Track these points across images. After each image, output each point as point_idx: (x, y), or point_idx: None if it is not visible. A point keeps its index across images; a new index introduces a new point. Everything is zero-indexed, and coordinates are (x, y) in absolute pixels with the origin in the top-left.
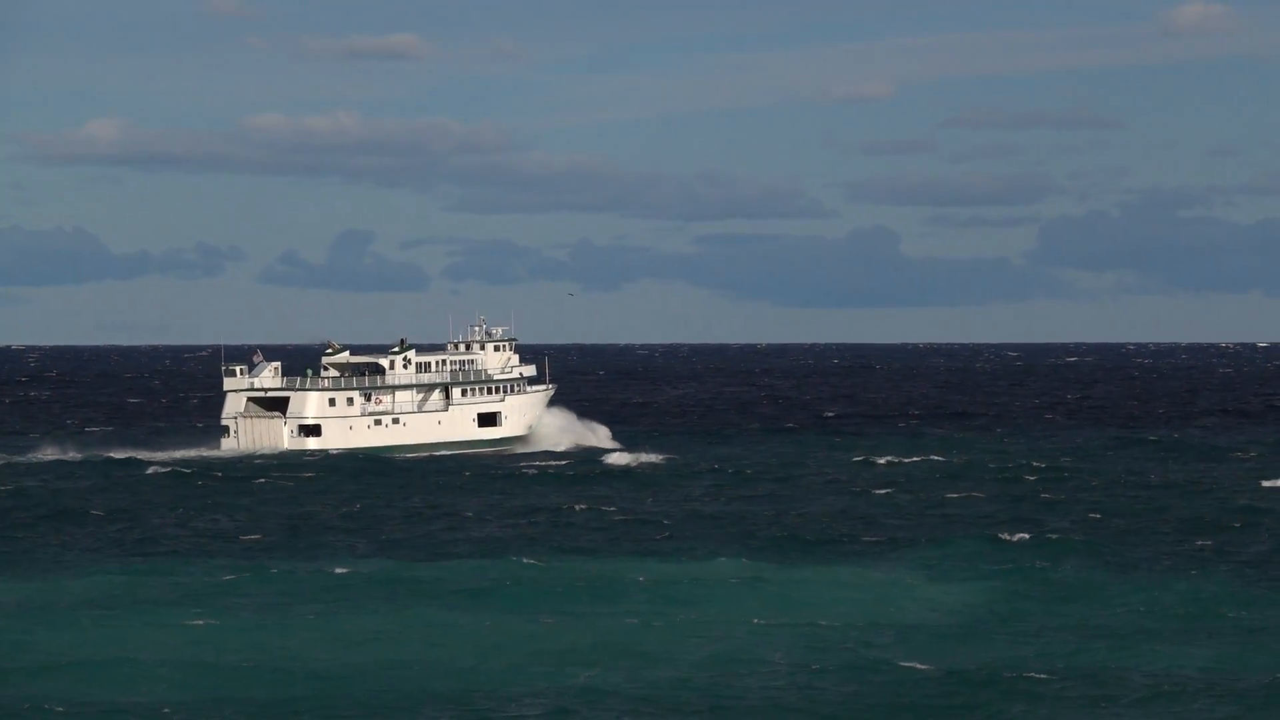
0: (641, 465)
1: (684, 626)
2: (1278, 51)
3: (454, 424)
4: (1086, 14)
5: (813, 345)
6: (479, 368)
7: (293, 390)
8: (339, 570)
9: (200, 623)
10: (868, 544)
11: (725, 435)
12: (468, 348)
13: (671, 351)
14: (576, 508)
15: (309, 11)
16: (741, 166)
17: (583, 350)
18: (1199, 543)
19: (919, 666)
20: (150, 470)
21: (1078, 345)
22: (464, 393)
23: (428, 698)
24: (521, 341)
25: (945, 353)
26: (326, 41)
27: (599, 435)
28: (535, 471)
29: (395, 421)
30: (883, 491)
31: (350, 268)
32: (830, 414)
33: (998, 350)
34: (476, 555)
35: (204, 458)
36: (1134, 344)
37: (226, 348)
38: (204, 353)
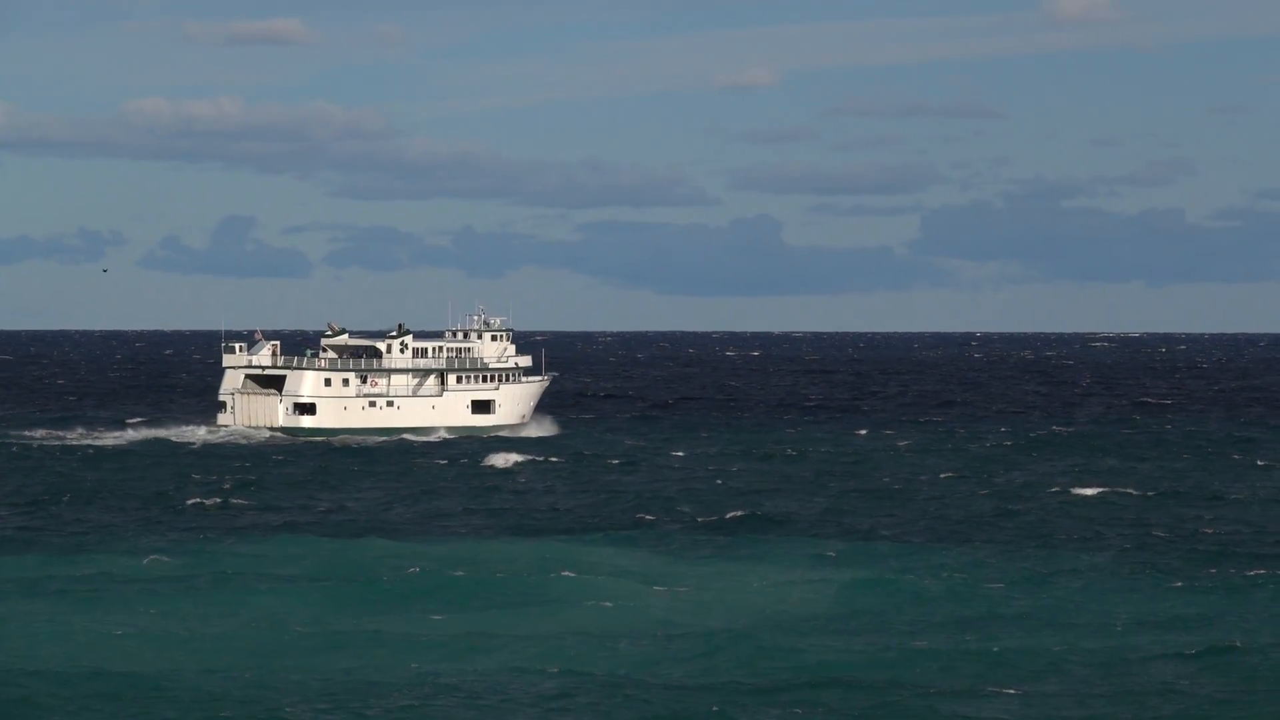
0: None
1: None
2: (1160, 42)
3: (448, 409)
4: (971, 4)
5: (705, 334)
6: (475, 356)
7: (289, 369)
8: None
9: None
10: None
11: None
12: (465, 336)
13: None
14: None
15: None
16: (624, 154)
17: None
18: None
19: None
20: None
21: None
22: (459, 379)
23: (287, 689)
24: (413, 327)
25: (830, 343)
26: (208, 26)
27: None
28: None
29: (389, 404)
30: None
31: (232, 254)
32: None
33: (886, 340)
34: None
35: (198, 433)
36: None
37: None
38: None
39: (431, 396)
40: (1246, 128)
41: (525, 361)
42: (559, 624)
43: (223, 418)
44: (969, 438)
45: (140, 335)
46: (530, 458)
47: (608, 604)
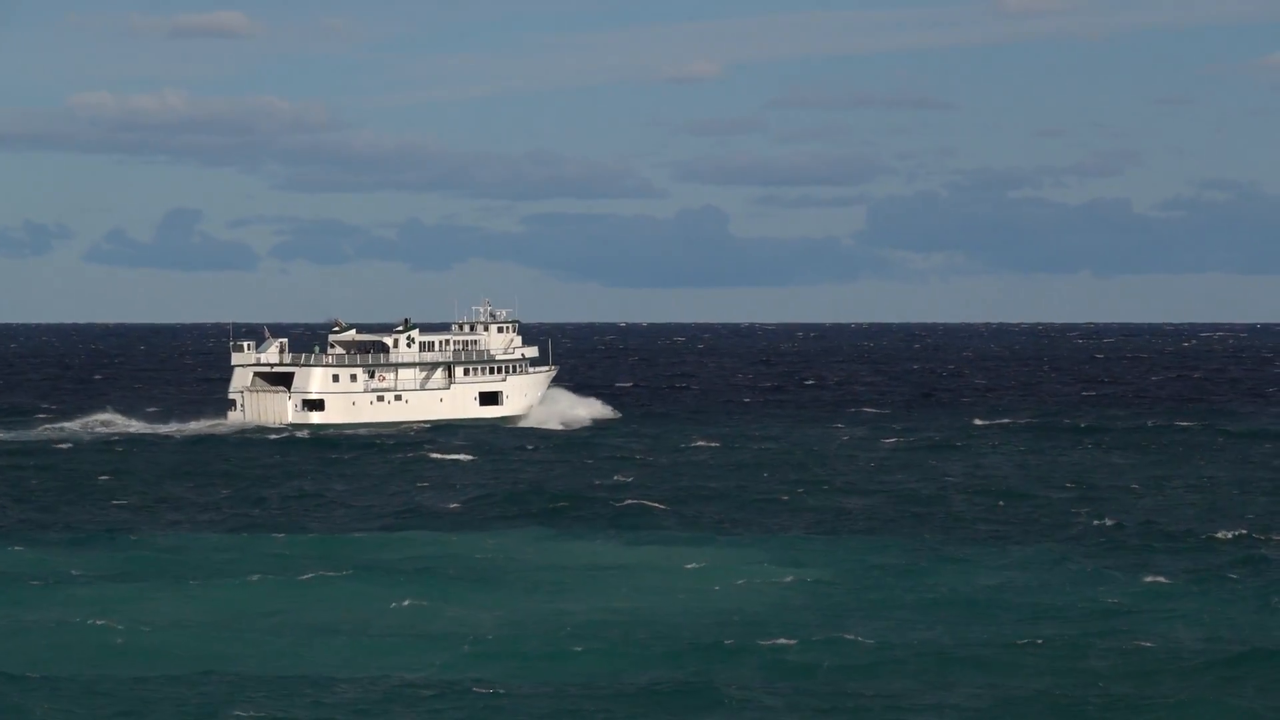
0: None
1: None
2: (1106, 33)
3: (456, 402)
4: None
5: (653, 325)
6: (482, 348)
7: (297, 366)
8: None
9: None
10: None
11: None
12: (471, 328)
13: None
14: (419, 485)
15: None
16: (570, 146)
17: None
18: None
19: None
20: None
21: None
22: (466, 372)
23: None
24: (359, 320)
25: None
26: (153, 19)
27: (591, 410)
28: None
29: (398, 398)
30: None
31: (178, 247)
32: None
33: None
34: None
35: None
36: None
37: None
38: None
39: (439, 390)
40: (1193, 118)
41: (531, 352)
42: (499, 617)
43: (233, 415)
44: (910, 429)
45: (77, 329)
46: (476, 449)
47: (531, 596)
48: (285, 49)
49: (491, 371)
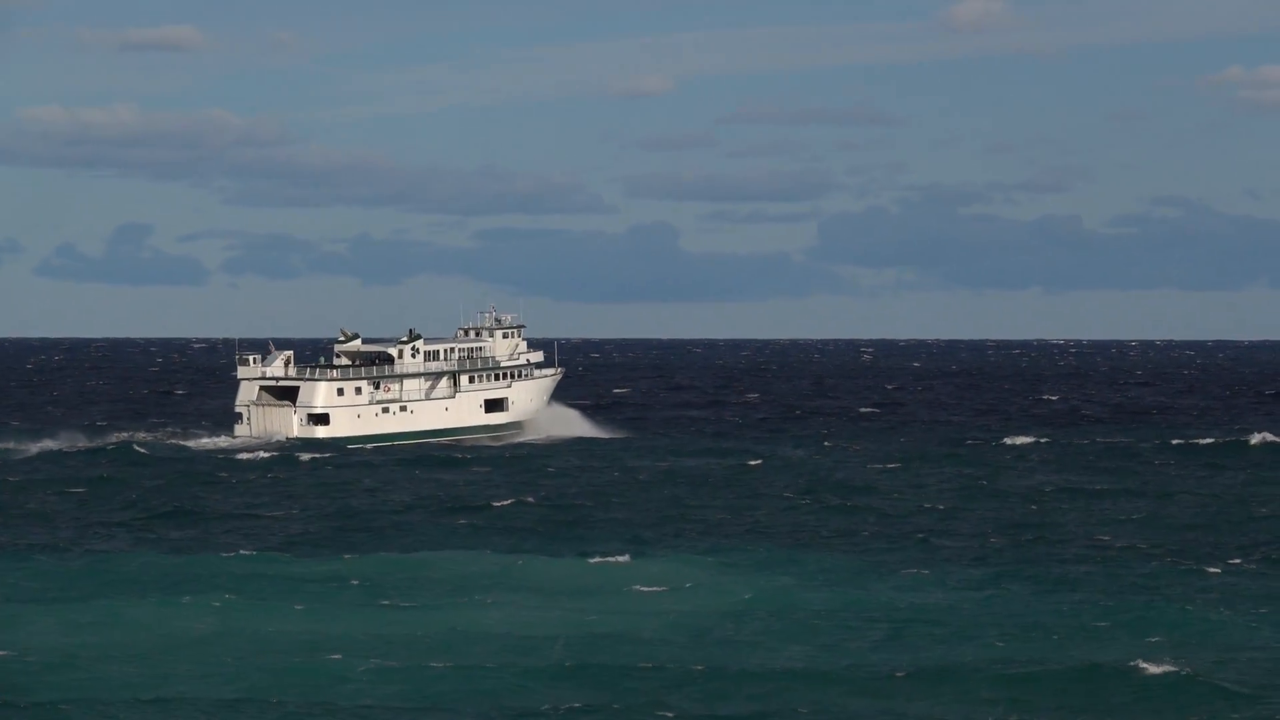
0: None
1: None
2: (1058, 49)
3: (461, 410)
4: (866, 11)
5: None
6: (487, 355)
7: (302, 380)
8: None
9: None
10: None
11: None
12: (476, 335)
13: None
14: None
15: (84, 3)
16: (521, 161)
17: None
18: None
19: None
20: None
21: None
22: (472, 379)
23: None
24: (304, 336)
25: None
26: (103, 34)
27: (571, 421)
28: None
29: (403, 409)
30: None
31: (128, 261)
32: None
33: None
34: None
35: (217, 444)
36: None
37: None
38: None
39: (444, 399)
40: (1144, 134)
41: (537, 357)
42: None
43: (239, 429)
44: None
45: (34, 343)
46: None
47: (468, 610)
48: (236, 63)
49: (497, 378)
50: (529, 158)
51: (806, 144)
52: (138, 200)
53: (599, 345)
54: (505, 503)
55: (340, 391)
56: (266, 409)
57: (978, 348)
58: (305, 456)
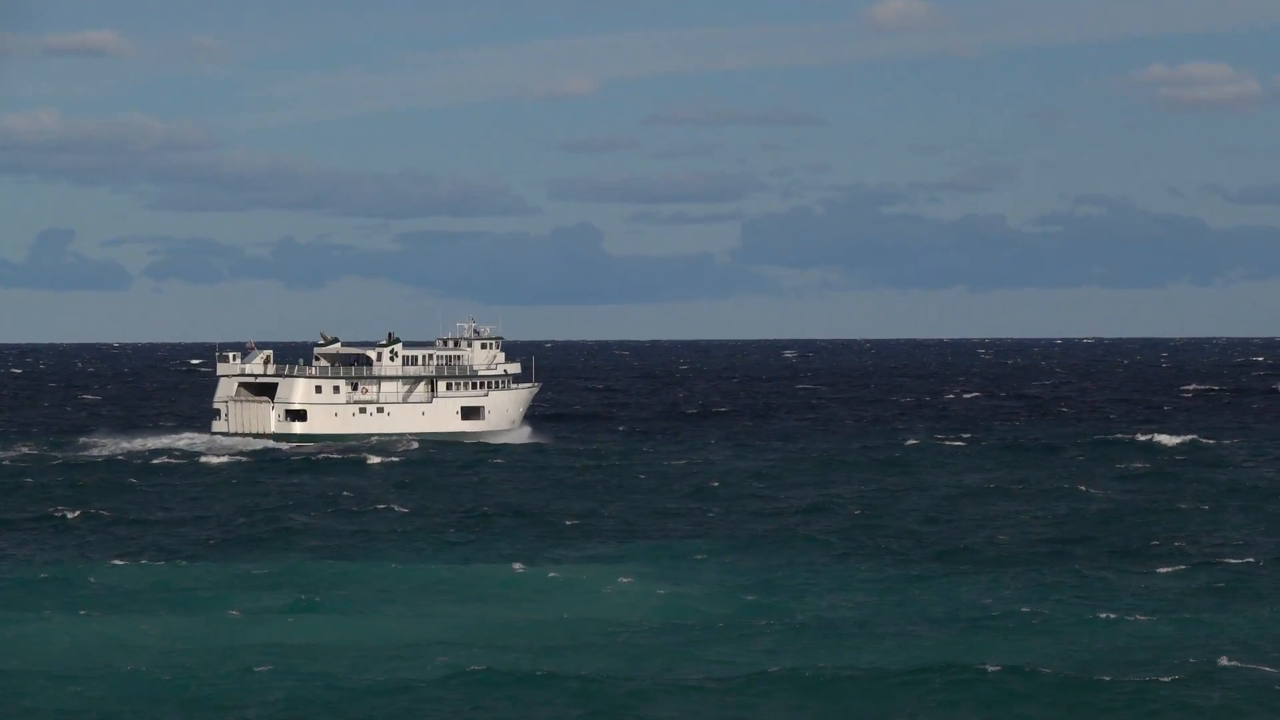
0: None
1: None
2: (980, 49)
3: (438, 415)
4: (788, 12)
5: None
6: (465, 364)
7: (281, 376)
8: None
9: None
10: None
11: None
12: (455, 344)
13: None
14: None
15: (4, 8)
16: (443, 164)
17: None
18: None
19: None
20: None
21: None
22: (449, 386)
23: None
24: (230, 340)
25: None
26: (24, 39)
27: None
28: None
29: (380, 410)
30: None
31: (50, 267)
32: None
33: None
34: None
35: (193, 440)
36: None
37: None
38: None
39: (421, 403)
40: (1066, 133)
41: (515, 369)
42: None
43: (217, 425)
44: (769, 446)
45: None
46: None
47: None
48: (158, 68)
49: (474, 387)
50: (451, 161)
51: (729, 145)
52: (60, 206)
53: (528, 348)
54: (403, 509)
55: (319, 389)
56: (245, 405)
57: (900, 347)
58: (215, 460)
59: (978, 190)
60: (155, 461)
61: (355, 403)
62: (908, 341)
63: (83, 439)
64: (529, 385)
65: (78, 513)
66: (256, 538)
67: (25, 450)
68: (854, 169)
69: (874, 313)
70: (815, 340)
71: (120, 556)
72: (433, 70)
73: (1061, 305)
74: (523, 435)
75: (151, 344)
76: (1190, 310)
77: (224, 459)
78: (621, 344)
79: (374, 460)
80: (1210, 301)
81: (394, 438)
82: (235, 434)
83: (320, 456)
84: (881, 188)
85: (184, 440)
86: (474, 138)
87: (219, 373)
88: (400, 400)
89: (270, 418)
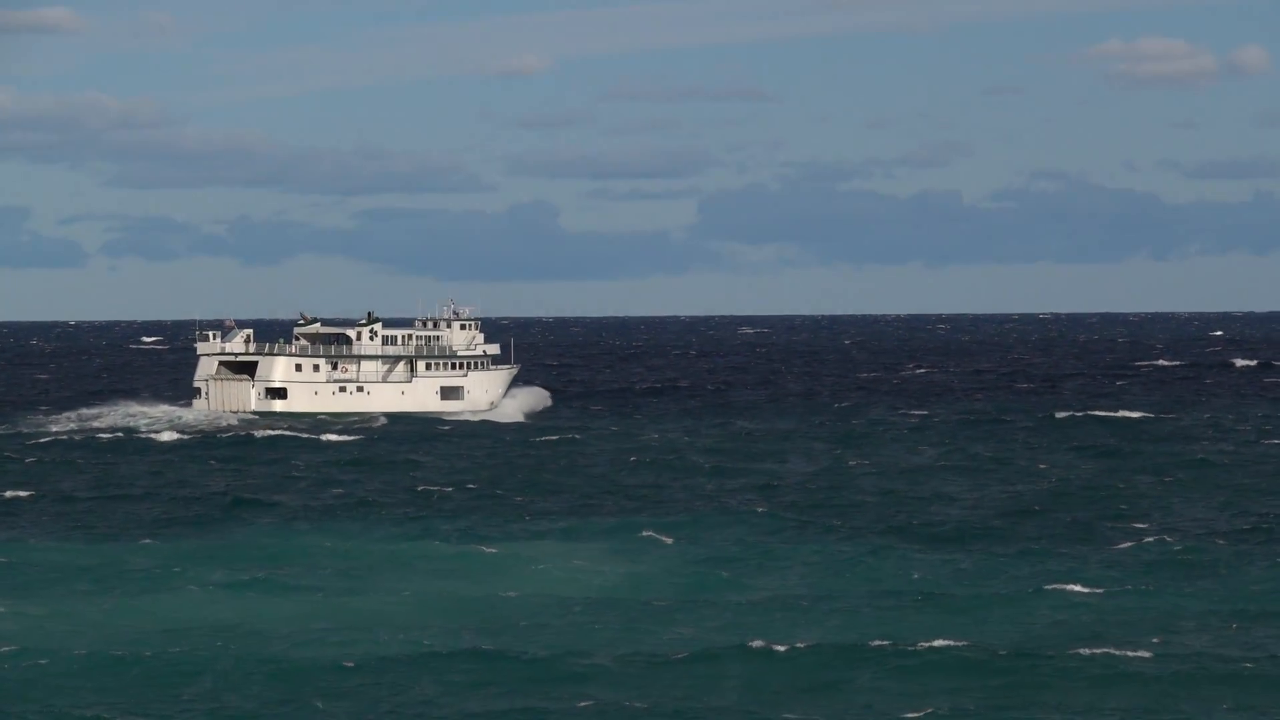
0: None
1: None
2: (933, 24)
3: (417, 395)
4: None
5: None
6: (444, 344)
7: (261, 355)
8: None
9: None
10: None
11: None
12: (435, 325)
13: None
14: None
15: None
16: (399, 141)
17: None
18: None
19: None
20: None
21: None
22: (428, 366)
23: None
24: (185, 318)
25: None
26: None
27: (541, 399)
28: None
29: (360, 389)
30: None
31: (6, 244)
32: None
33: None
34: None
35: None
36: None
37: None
38: None
39: (401, 382)
40: (1021, 108)
41: (494, 350)
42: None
43: (197, 403)
44: (729, 419)
45: None
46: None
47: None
48: (112, 46)
49: (453, 367)
50: (407, 137)
51: (685, 121)
52: (15, 183)
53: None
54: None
55: (299, 367)
56: (225, 383)
57: (856, 322)
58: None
59: (933, 166)
60: (104, 438)
61: (335, 381)
62: (864, 317)
63: (37, 416)
64: (508, 367)
65: (28, 493)
66: (205, 516)
67: None
68: (809, 145)
69: (830, 289)
70: (771, 316)
71: (65, 536)
72: (388, 47)
73: (1018, 280)
74: (506, 414)
75: (109, 321)
76: (1147, 285)
77: (178, 437)
78: (578, 320)
79: (329, 437)
80: (1167, 276)
81: (373, 416)
82: (216, 412)
83: (273, 433)
84: (837, 163)
85: (160, 411)
86: (430, 115)
87: (199, 351)
88: (380, 380)
89: (251, 396)
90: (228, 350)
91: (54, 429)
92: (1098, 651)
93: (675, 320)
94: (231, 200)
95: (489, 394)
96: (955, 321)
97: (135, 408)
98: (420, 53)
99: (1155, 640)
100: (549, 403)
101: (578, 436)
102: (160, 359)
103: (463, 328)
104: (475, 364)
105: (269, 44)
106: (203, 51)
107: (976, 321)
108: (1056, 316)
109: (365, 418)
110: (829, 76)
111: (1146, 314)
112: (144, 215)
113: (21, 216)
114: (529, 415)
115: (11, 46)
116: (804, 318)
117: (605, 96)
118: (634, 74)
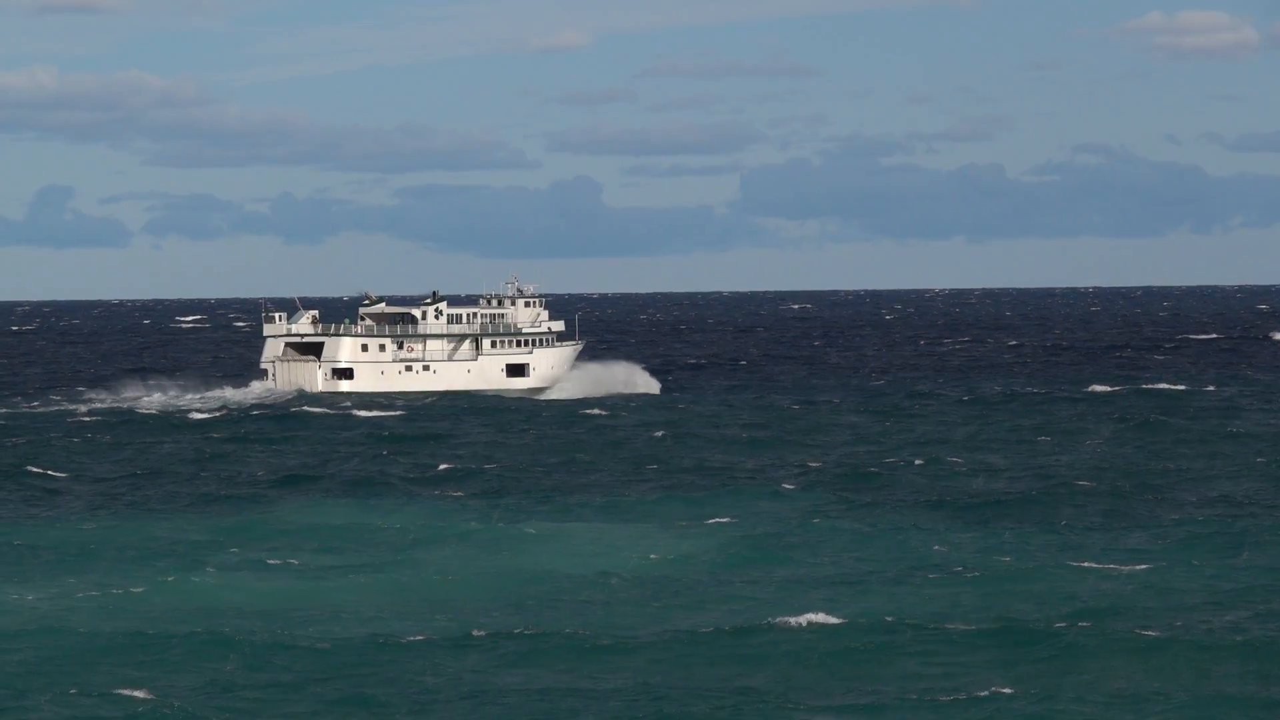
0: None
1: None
2: None
3: (483, 373)
4: None
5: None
6: (509, 321)
7: (327, 335)
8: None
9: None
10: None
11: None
12: (499, 303)
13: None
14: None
15: None
16: (441, 118)
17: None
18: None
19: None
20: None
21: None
22: (493, 344)
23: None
24: (230, 296)
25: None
26: None
27: (639, 380)
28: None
29: (425, 368)
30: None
31: (50, 224)
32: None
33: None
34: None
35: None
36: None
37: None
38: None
39: (466, 361)
40: (1064, 82)
41: (559, 326)
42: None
43: (264, 384)
44: (760, 397)
45: None
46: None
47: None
48: (154, 24)
49: (518, 344)
50: (448, 115)
51: (727, 97)
52: (58, 163)
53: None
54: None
55: (364, 348)
56: (291, 364)
57: (899, 297)
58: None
59: (976, 140)
60: (144, 414)
61: (401, 361)
62: (907, 292)
63: (79, 394)
64: (573, 343)
65: (68, 473)
66: (249, 495)
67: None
68: (851, 120)
69: (873, 264)
70: (814, 291)
71: (105, 514)
72: (428, 24)
73: (1061, 255)
74: (567, 391)
75: (155, 300)
76: (1190, 258)
77: (219, 413)
78: (626, 297)
79: (373, 413)
80: (1210, 249)
81: (439, 395)
82: (283, 392)
83: (317, 411)
84: (879, 138)
85: (215, 392)
86: (471, 92)
87: (265, 333)
88: (445, 358)
89: (317, 376)
90: (294, 331)
91: (96, 406)
92: (1139, 627)
93: (718, 296)
94: (273, 178)
95: (554, 370)
96: (997, 296)
97: (171, 388)
98: (461, 30)
99: (1197, 615)
100: (652, 382)
101: (620, 413)
102: (201, 336)
103: (527, 305)
104: (540, 341)
105: (311, 22)
106: (244, 30)
107: (1020, 296)
108: (1100, 290)
109: (426, 396)
110: (871, 51)
111: (1190, 287)
112: (186, 194)
113: (65, 195)
114: (626, 391)
115: (54, 25)
116: (847, 293)
117: (646, 72)
118: (675, 50)
